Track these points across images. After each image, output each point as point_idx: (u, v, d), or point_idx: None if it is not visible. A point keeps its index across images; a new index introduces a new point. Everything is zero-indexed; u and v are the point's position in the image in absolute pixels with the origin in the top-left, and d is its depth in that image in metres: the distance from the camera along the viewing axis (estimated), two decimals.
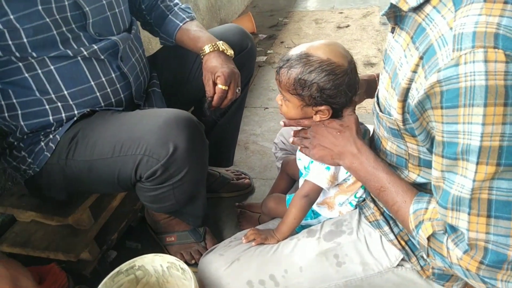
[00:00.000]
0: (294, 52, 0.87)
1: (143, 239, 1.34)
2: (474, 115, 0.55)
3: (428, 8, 0.65)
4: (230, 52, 1.12)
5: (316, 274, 0.90)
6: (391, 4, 0.71)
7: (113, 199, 1.24)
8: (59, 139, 0.96)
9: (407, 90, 0.66)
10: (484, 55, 0.53)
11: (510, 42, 0.52)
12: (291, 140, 0.98)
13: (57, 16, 0.89)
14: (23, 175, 1.02)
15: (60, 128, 0.97)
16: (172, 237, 1.25)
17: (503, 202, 0.58)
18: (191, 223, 1.21)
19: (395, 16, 0.74)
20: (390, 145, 0.82)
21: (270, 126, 1.91)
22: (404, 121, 0.71)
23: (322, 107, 0.87)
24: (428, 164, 0.76)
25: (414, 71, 0.64)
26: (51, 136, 0.97)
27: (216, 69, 1.07)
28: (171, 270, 0.95)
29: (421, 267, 0.87)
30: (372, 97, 1.08)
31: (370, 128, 0.99)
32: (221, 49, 1.10)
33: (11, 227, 1.21)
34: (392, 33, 0.76)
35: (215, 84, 1.08)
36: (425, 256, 0.83)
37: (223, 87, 1.06)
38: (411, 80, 0.65)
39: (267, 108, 2.08)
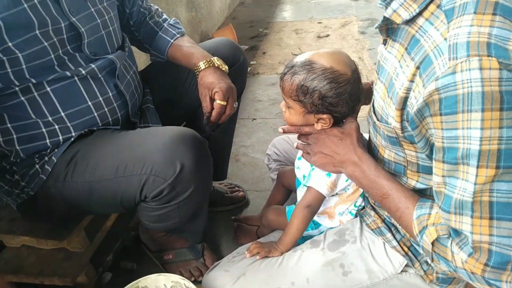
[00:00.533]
0: (299, 59, 0.88)
1: (139, 258, 1.31)
2: (473, 120, 0.58)
3: (420, 21, 0.67)
4: (225, 67, 1.12)
5: (323, 284, 0.90)
6: (384, 17, 0.73)
7: (107, 219, 1.21)
8: (55, 161, 0.93)
9: (405, 99, 0.68)
10: (479, 63, 0.56)
11: (501, 50, 0.55)
12: (295, 144, 0.99)
13: (55, 39, 0.87)
14: (15, 199, 0.98)
15: (56, 150, 0.94)
16: (169, 255, 1.22)
17: (504, 204, 0.60)
18: (191, 240, 1.19)
19: (387, 29, 0.76)
20: (388, 153, 0.84)
21: (260, 137, 1.91)
22: (403, 129, 0.72)
23: (324, 116, 0.88)
24: (427, 170, 0.78)
25: (411, 81, 0.66)
26: (46, 158, 0.94)
27: (213, 85, 1.06)
28: None
29: (424, 271, 0.88)
30: (368, 104, 1.10)
31: (365, 136, 1.01)
32: (216, 65, 1.10)
33: (0, 253, 1.16)
34: (384, 44, 0.79)
35: (212, 100, 1.08)
36: (429, 261, 0.85)
37: (222, 103, 1.06)
38: (408, 89, 0.67)
39: (254, 119, 2.08)
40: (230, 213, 1.43)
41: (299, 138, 0.97)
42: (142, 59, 1.87)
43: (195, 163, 0.89)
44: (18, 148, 0.93)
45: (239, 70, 1.21)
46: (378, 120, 0.80)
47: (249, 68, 2.70)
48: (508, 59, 0.55)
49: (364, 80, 1.10)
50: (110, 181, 0.89)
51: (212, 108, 1.08)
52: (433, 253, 0.73)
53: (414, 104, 0.65)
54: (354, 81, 0.86)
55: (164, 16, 1.25)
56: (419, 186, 0.81)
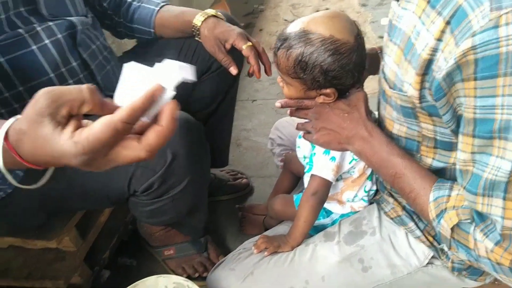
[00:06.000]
0: (292, 29, 0.76)
1: (138, 254, 1.23)
2: None
3: None
4: (222, 16, 1.01)
5: (340, 282, 0.82)
6: None
7: (101, 214, 1.13)
8: None
9: (429, 62, 0.58)
10: None
11: None
12: (296, 125, 0.89)
13: None
14: None
15: None
16: (170, 250, 1.14)
17: None
18: (191, 234, 1.10)
19: None
20: (397, 128, 0.74)
21: (261, 120, 1.81)
22: (421, 98, 0.63)
23: (327, 90, 0.78)
24: (446, 146, 0.69)
25: (439, 39, 0.56)
26: None
27: (225, 35, 0.94)
28: None
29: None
30: (374, 73, 1.00)
31: (376, 113, 0.91)
32: (214, 14, 0.99)
33: None
34: (397, 0, 0.68)
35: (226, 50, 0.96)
36: (445, 249, 0.77)
37: (249, 44, 0.93)
38: (434, 50, 0.57)
39: (255, 100, 1.97)
40: (234, 202, 1.35)
41: (292, 114, 0.86)
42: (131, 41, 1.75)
43: (189, 152, 0.78)
44: None
45: None
46: (390, 87, 0.70)
47: None
48: None
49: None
50: (93, 175, 0.78)
51: (232, 58, 0.96)
52: (451, 239, 0.65)
53: (443, 68, 0.55)
54: (358, 47, 0.75)
55: None
56: (436, 164, 0.72)
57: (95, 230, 1.11)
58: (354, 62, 0.75)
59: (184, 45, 1.10)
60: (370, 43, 2.35)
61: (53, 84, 0.84)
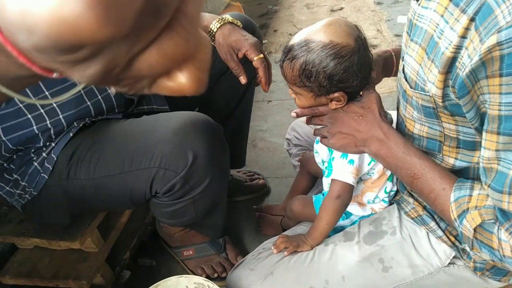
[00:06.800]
0: (294, 40, 0.78)
1: (158, 254, 1.25)
2: None
3: None
4: (240, 23, 1.01)
5: (360, 282, 0.82)
6: None
7: (121, 215, 1.15)
8: (55, 158, 0.84)
9: (452, 60, 0.58)
10: None
11: None
12: (313, 130, 0.89)
13: None
14: (18, 200, 0.91)
15: (54, 145, 0.85)
16: (189, 251, 1.15)
17: None
18: (211, 234, 1.11)
19: None
20: (418, 128, 0.74)
21: (277, 120, 1.81)
22: (444, 96, 0.62)
23: (336, 94, 0.78)
24: (469, 146, 0.68)
25: (463, 36, 0.55)
26: (44, 154, 0.86)
27: (239, 44, 0.94)
28: None
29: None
30: (389, 75, 0.99)
31: (393, 114, 0.90)
32: (230, 20, 0.99)
33: (13, 256, 1.10)
34: (417, 0, 0.68)
35: (239, 60, 0.97)
36: (467, 249, 0.76)
37: (260, 56, 0.94)
38: (458, 48, 0.56)
39: (270, 101, 1.98)
40: (251, 203, 1.35)
41: (309, 122, 0.87)
42: None
43: (210, 152, 0.80)
44: (4, 138, 0.83)
45: None
46: (411, 87, 0.69)
47: None
48: None
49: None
50: (116, 176, 0.80)
51: (244, 66, 0.96)
52: (474, 240, 0.64)
53: (466, 64, 0.55)
54: (360, 49, 0.76)
55: None
56: (459, 164, 0.71)
57: (116, 231, 1.13)
58: (356, 63, 0.76)
59: None
60: (386, 41, 2.33)
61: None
